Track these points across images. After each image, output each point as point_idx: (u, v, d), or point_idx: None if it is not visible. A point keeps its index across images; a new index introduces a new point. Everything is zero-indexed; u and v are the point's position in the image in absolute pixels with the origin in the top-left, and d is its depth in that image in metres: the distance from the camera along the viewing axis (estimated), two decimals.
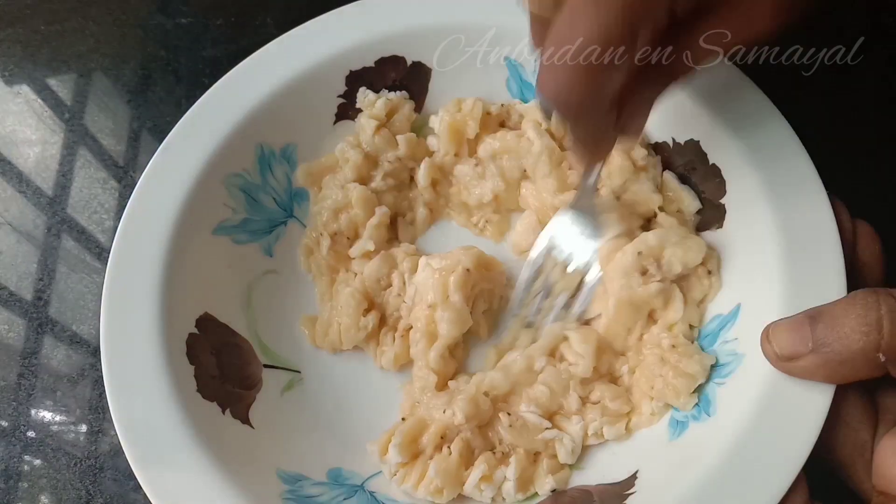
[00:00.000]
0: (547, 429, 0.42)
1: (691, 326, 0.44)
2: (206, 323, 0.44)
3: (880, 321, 0.33)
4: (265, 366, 0.46)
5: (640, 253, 0.43)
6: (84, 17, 0.63)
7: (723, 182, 0.45)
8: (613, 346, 0.44)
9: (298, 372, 0.46)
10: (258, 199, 0.49)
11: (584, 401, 0.43)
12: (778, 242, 0.40)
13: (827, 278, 0.39)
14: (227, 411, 0.42)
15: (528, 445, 0.42)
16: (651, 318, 0.44)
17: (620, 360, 0.44)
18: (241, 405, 0.43)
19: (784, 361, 0.36)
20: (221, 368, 0.43)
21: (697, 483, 0.36)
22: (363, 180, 0.49)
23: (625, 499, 0.39)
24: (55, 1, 0.64)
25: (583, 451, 0.43)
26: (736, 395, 0.39)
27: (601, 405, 0.43)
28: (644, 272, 0.43)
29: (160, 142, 0.46)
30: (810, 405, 0.36)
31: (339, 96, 0.50)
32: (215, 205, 0.46)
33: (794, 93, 0.45)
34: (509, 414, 0.42)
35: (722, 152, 0.44)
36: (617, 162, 0.46)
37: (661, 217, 0.46)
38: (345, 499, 0.41)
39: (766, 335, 0.37)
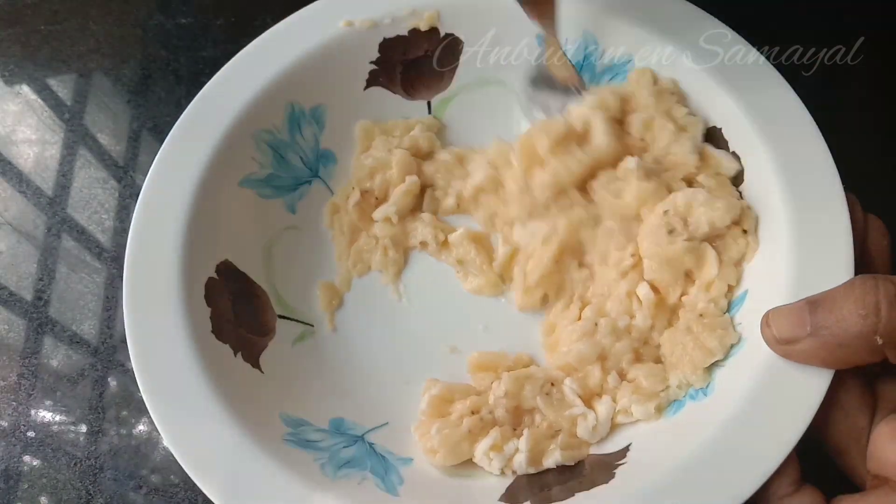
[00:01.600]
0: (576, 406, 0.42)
1: (730, 288, 0.43)
2: (226, 269, 0.45)
3: (878, 305, 0.33)
4: (280, 316, 0.47)
5: (665, 212, 0.43)
6: (84, 17, 0.63)
7: (741, 170, 0.45)
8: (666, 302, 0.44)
9: (311, 325, 0.47)
10: (285, 156, 0.49)
11: (621, 377, 0.43)
12: (789, 232, 0.41)
13: (835, 269, 0.39)
14: (239, 354, 0.43)
15: (554, 418, 0.42)
16: (690, 278, 0.44)
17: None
18: (253, 350, 0.44)
19: (782, 345, 0.37)
20: (237, 314, 0.45)
21: (687, 457, 0.37)
22: (420, 155, 0.51)
23: (615, 468, 0.39)
24: (55, 1, 0.64)
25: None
26: (734, 376, 0.40)
27: (635, 383, 0.42)
28: (671, 231, 0.43)
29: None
30: (807, 388, 0.36)
31: (371, 62, 0.51)
32: (244, 157, 0.48)
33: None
34: (553, 384, 0.43)
35: (743, 140, 0.45)
36: (658, 123, 0.46)
37: (702, 177, 0.46)
38: (344, 447, 0.42)
39: (766, 320, 0.38)
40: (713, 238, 0.44)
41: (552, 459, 0.41)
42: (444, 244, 0.49)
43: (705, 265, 0.43)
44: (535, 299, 0.47)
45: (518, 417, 0.43)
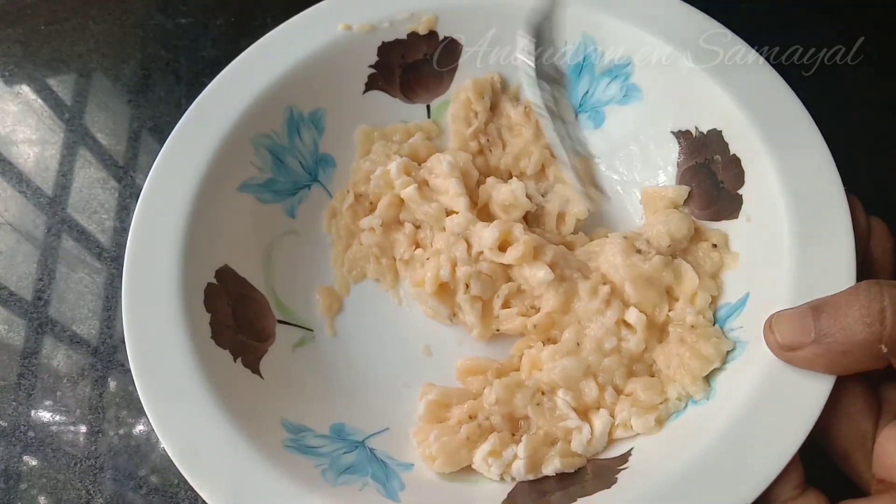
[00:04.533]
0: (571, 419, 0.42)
1: (713, 299, 0.44)
2: (226, 275, 0.45)
3: (883, 312, 0.33)
4: (279, 321, 0.47)
5: (625, 237, 0.45)
6: (84, 17, 0.63)
7: (742, 172, 0.45)
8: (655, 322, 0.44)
9: (311, 330, 0.47)
10: (284, 160, 0.50)
11: (618, 392, 0.43)
12: (791, 234, 0.41)
13: (837, 272, 0.39)
14: (239, 360, 0.43)
15: (548, 428, 0.42)
16: (671, 296, 0.45)
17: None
18: (253, 356, 0.44)
19: (786, 351, 0.37)
20: (237, 319, 0.45)
21: (690, 462, 0.36)
22: (418, 160, 0.51)
23: (617, 473, 0.39)
24: (55, 1, 0.64)
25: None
26: (737, 380, 0.40)
27: (633, 397, 0.42)
28: (639, 251, 0.44)
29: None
30: (810, 393, 0.36)
31: (370, 66, 0.51)
32: (242, 162, 0.48)
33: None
34: (543, 393, 0.43)
35: (743, 143, 0.45)
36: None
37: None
38: (344, 453, 0.42)
39: (769, 325, 0.38)
40: (680, 253, 0.45)
41: (551, 467, 0.41)
42: (409, 261, 0.49)
43: (684, 279, 0.44)
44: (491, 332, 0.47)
45: (515, 423, 0.43)
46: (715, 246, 0.45)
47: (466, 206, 0.47)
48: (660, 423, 0.41)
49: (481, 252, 0.45)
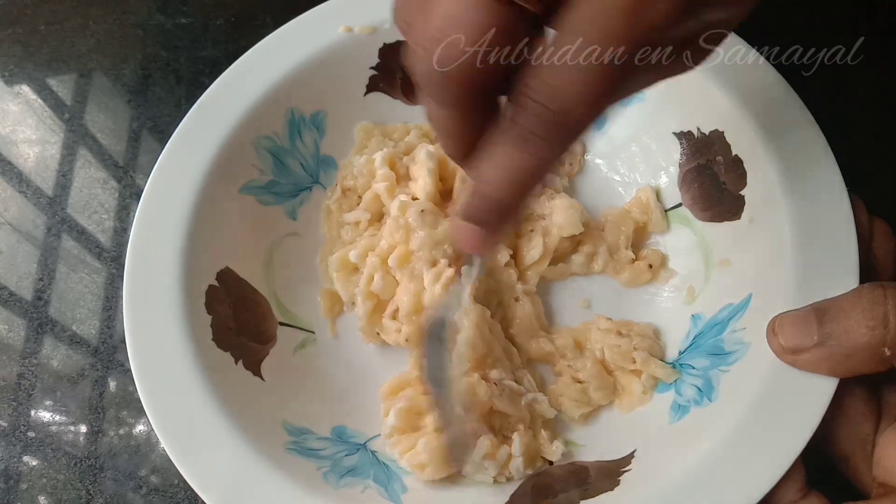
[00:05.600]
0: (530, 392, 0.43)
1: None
2: (227, 277, 0.45)
3: (886, 316, 0.33)
4: (280, 323, 0.47)
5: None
6: (84, 17, 0.63)
7: (744, 174, 0.45)
8: None
9: (312, 332, 0.47)
10: (286, 162, 0.50)
11: (575, 379, 0.44)
12: (793, 235, 0.41)
13: (840, 273, 0.39)
14: (240, 362, 0.43)
15: (518, 412, 0.42)
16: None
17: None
18: (254, 358, 0.44)
19: (789, 354, 0.37)
20: (238, 321, 0.45)
21: (693, 464, 0.37)
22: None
23: (619, 475, 0.39)
24: (55, 1, 0.64)
25: (585, 430, 0.44)
26: (739, 382, 0.40)
27: (584, 387, 0.43)
28: None
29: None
30: (812, 395, 0.36)
31: (372, 68, 0.51)
32: (244, 164, 0.48)
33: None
34: (495, 384, 0.42)
35: (745, 144, 0.45)
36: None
37: None
38: (346, 455, 0.42)
39: (773, 327, 0.38)
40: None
41: (558, 452, 0.41)
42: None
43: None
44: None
45: (488, 421, 0.42)
46: (651, 266, 0.47)
47: (428, 195, 0.46)
48: (584, 419, 0.43)
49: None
